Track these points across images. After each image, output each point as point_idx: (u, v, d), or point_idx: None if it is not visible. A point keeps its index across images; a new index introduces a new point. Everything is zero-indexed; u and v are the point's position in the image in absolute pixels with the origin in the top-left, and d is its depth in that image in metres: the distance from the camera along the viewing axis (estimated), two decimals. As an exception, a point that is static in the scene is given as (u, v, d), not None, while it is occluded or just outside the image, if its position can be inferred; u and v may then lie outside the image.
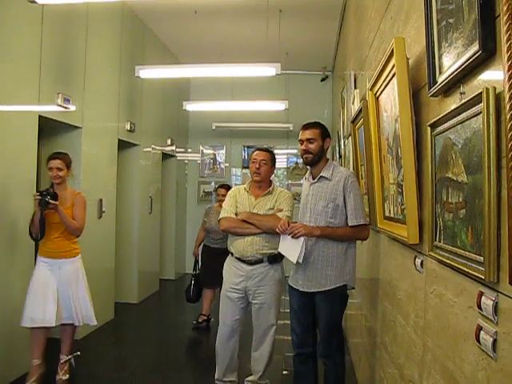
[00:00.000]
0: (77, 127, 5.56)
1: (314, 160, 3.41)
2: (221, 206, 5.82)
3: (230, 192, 4.19)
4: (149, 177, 8.02)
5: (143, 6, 6.82)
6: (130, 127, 6.99)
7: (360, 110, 3.56)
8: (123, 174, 7.13)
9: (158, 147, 8.42)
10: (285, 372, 4.79)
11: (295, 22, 7.17)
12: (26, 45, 4.59)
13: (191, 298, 6.42)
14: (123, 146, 6.95)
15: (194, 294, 6.39)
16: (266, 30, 6.46)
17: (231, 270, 4.03)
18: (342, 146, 6.19)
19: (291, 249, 3.31)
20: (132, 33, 7.18)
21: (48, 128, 5.25)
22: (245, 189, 4.08)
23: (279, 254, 3.85)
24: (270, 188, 4.04)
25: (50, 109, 4.96)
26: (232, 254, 4.05)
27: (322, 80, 9.64)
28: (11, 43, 4.33)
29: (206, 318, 6.37)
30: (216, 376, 4.13)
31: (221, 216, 4.04)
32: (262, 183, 4.05)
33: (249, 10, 6.53)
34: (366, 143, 3.30)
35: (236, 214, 3.96)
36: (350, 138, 4.48)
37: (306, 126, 3.47)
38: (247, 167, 9.84)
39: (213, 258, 5.96)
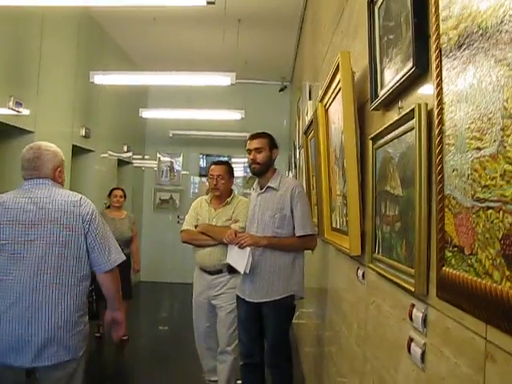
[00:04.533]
0: (29, 132, 5.44)
1: (262, 170, 3.42)
2: (112, 211, 5.91)
3: (192, 204, 4.31)
4: (104, 183, 7.87)
5: (101, 12, 6.72)
6: (86, 133, 6.88)
7: (311, 122, 3.60)
8: (77, 181, 6.97)
9: (114, 153, 8.31)
10: (238, 382, 4.75)
11: (254, 31, 7.18)
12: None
13: (95, 313, 6.01)
14: (78, 151, 6.82)
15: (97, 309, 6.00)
16: (224, 38, 6.47)
17: (196, 279, 4.19)
18: (298, 157, 6.24)
19: (238, 259, 3.32)
20: (89, 38, 7.07)
21: (-2, 132, 5.13)
22: (206, 200, 4.18)
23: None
24: (229, 198, 4.12)
25: (0, 112, 4.85)
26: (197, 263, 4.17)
27: (281, 90, 9.64)
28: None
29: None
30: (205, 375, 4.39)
31: (182, 228, 4.17)
32: (222, 195, 4.14)
33: (208, 18, 6.50)
34: (316, 154, 3.33)
35: (196, 226, 4.08)
36: (303, 148, 4.52)
37: (254, 136, 3.49)
38: (204, 175, 9.83)
39: None
